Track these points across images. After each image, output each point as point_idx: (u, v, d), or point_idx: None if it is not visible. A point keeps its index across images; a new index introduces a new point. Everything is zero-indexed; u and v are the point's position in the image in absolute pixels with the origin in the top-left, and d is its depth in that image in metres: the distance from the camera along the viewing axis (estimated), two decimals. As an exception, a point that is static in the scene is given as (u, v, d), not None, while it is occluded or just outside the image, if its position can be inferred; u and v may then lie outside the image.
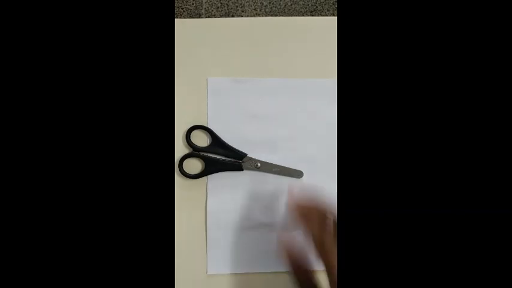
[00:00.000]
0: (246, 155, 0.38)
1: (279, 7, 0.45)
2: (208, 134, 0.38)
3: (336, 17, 0.43)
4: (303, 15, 0.46)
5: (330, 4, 0.45)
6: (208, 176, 0.37)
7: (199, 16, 0.46)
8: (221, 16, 0.46)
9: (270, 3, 0.45)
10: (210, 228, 0.38)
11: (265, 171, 0.38)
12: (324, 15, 0.46)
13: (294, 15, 0.46)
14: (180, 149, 0.37)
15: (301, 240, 0.30)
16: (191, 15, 0.46)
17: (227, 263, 0.38)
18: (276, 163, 0.38)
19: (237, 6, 0.45)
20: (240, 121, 0.40)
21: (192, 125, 0.38)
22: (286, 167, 0.39)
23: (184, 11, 0.46)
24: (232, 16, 0.46)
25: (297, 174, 0.39)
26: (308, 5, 0.45)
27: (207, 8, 0.45)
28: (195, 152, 0.37)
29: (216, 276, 0.38)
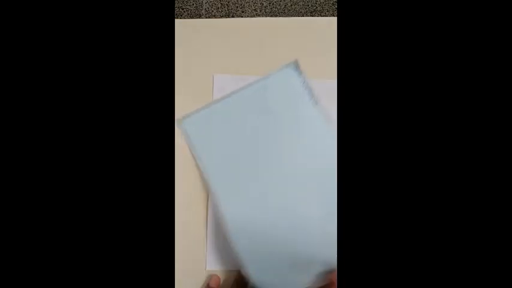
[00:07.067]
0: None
1: (279, 8, 0.45)
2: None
3: (336, 18, 0.43)
4: (303, 16, 0.46)
5: (330, 5, 0.45)
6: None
7: (200, 17, 0.46)
8: (221, 17, 0.46)
9: (270, 3, 0.45)
10: (210, 223, 0.38)
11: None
12: (324, 16, 0.47)
13: (294, 16, 0.46)
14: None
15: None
16: (191, 16, 0.46)
17: (226, 259, 0.38)
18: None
19: (237, 7, 0.45)
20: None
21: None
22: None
23: (184, 12, 0.46)
24: (233, 17, 0.46)
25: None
26: (308, 5, 0.45)
27: (207, 9, 0.45)
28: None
29: (214, 272, 0.38)
